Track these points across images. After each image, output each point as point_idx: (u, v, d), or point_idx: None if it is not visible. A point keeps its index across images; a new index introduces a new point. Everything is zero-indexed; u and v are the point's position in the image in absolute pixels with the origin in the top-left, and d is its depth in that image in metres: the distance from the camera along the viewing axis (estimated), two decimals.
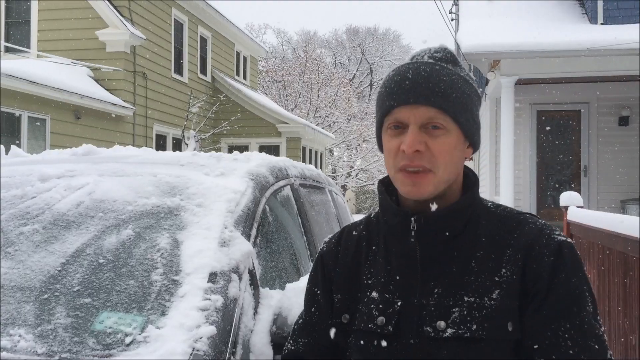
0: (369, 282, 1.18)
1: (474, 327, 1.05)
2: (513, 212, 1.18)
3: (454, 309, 1.07)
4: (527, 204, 10.12)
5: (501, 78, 8.81)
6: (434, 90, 1.10)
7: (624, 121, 10.03)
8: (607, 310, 4.03)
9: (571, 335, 1.03)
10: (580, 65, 8.52)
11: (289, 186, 2.62)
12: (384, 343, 1.11)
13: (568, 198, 5.70)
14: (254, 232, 2.01)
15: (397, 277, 1.15)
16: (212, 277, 1.67)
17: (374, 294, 1.16)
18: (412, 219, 1.13)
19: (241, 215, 1.98)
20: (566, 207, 5.60)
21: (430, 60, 1.15)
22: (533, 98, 10.25)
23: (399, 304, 1.12)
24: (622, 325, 3.66)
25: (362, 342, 1.14)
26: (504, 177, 8.76)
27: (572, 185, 10.07)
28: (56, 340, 1.46)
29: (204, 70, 17.80)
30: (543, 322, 1.05)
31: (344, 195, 27.33)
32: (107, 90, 13.08)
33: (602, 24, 9.41)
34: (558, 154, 10.39)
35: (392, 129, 1.13)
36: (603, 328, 1.07)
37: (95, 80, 13.11)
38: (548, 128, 10.38)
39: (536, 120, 10.43)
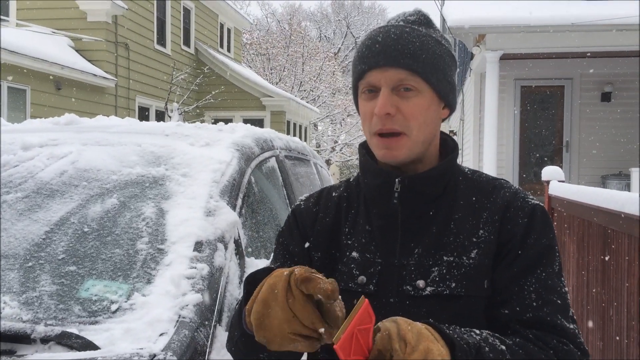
0: (349, 242, 1.19)
1: (453, 284, 1.09)
2: (489, 178, 1.22)
3: (433, 269, 1.11)
4: (509, 178, 10.22)
5: (486, 53, 8.81)
6: (403, 52, 1.10)
7: (606, 97, 10.11)
8: (586, 282, 4.11)
9: (536, 289, 1.07)
10: (565, 41, 8.53)
11: (274, 157, 2.62)
12: None
13: (550, 172, 5.76)
14: (239, 202, 2.01)
15: (378, 238, 1.17)
16: (198, 245, 1.67)
17: (354, 254, 1.17)
18: (397, 180, 1.14)
19: (227, 186, 1.97)
20: (548, 182, 5.67)
21: (401, 23, 1.16)
22: (517, 73, 10.27)
23: (380, 263, 1.14)
24: (600, 297, 3.74)
25: (343, 300, 1.14)
26: (487, 151, 8.82)
27: (554, 160, 10.18)
28: (41, 307, 1.46)
29: (187, 42, 17.55)
30: (511, 278, 1.09)
31: (328, 169, 27.33)
32: (89, 61, 12.86)
33: None
34: (541, 129, 10.47)
35: (366, 92, 1.15)
36: (566, 288, 1.12)
37: (76, 51, 12.87)
38: (531, 103, 10.44)
39: (520, 95, 10.47)
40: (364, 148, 1.25)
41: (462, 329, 0.99)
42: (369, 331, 0.84)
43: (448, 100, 1.18)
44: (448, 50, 1.18)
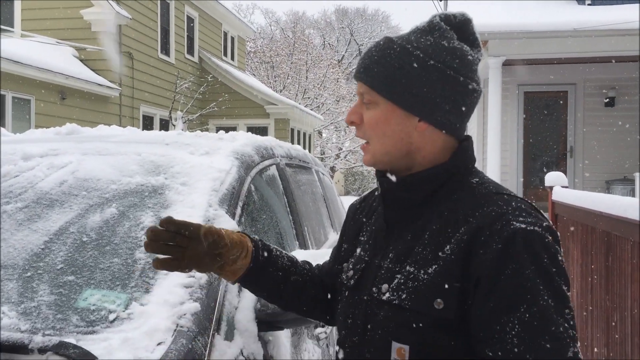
0: (361, 239, 1.31)
1: (404, 296, 1.10)
2: (491, 191, 1.11)
3: (397, 275, 1.13)
4: (513, 185, 10.19)
5: (489, 59, 8.82)
6: (362, 66, 1.19)
7: (610, 102, 10.09)
8: (590, 288, 4.09)
9: (518, 332, 0.96)
10: (568, 46, 8.53)
11: (274, 165, 2.62)
12: (348, 294, 1.24)
13: (553, 178, 5.75)
14: (238, 210, 2.01)
15: (373, 238, 1.26)
16: None
17: (358, 251, 1.29)
18: (378, 184, 1.24)
19: (226, 194, 1.98)
20: (551, 187, 5.65)
21: (391, 36, 1.20)
22: (520, 79, 10.27)
23: (366, 261, 1.23)
24: (604, 302, 3.72)
25: (340, 291, 1.29)
26: (491, 157, 8.81)
27: (558, 166, 10.15)
28: (39, 317, 1.46)
29: (191, 51, 17.63)
30: (489, 313, 0.99)
31: (332, 176, 27.35)
32: (93, 70, 12.93)
33: (589, 4, 9.41)
34: (545, 134, 10.45)
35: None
36: (569, 320, 0.97)
37: (81, 60, 12.95)
38: (535, 109, 10.42)
39: (523, 101, 10.46)
40: None
41: None
42: None
43: (420, 112, 1.13)
44: (423, 61, 1.12)
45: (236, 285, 1.77)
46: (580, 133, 10.21)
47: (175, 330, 1.43)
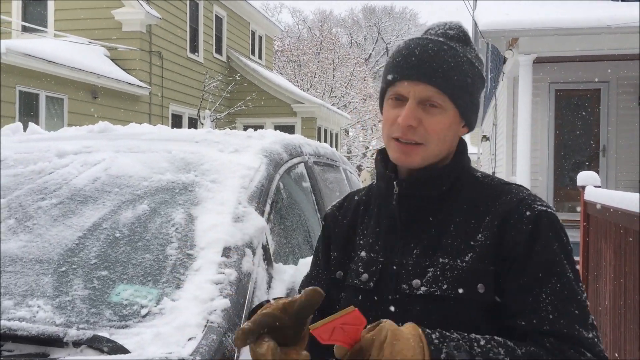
0: (361, 242, 1.28)
1: (445, 286, 1.12)
2: (500, 182, 1.23)
3: (429, 269, 1.15)
4: (544, 184, 10.04)
5: (519, 56, 8.68)
6: (437, 70, 1.15)
7: None
8: (624, 289, 4.01)
9: (551, 301, 1.07)
10: (600, 43, 8.36)
11: (302, 164, 2.63)
12: (366, 298, 1.21)
13: (585, 178, 5.64)
14: (267, 208, 2.02)
15: (382, 238, 1.24)
16: (226, 251, 1.69)
17: (363, 253, 1.25)
18: (395, 183, 1.22)
19: (255, 192, 1.99)
20: (583, 187, 5.55)
21: (441, 39, 1.20)
22: (551, 77, 10.10)
23: (382, 262, 1.21)
24: (638, 305, 3.64)
25: (349, 296, 1.24)
26: (521, 157, 8.68)
27: (590, 166, 9.95)
28: (74, 311, 1.49)
29: (219, 50, 17.77)
30: (523, 288, 1.09)
31: (359, 175, 27.30)
32: (123, 69, 13.13)
33: (622, 0, 9.21)
34: (576, 133, 10.26)
35: (393, 99, 1.20)
36: (585, 294, 1.11)
37: (112, 60, 13.15)
38: (567, 107, 10.25)
39: (554, 99, 10.29)
40: (380, 153, 1.31)
41: (459, 336, 1.02)
42: (358, 330, 0.95)
43: (469, 120, 1.23)
44: (479, 72, 1.23)
45: (265, 282, 1.78)
46: (613, 132, 10.00)
47: (205, 326, 1.44)
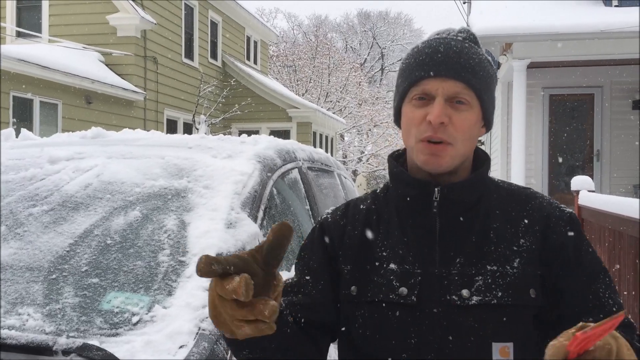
0: (384, 254, 1.17)
1: (500, 294, 1.09)
2: (519, 187, 1.26)
3: (477, 278, 1.11)
4: (538, 189, 10.04)
5: (513, 61, 8.71)
6: (465, 66, 1.14)
7: (637, 105, 9.89)
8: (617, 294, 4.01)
9: (609, 294, 1.13)
10: (594, 48, 8.40)
11: (296, 169, 2.62)
12: (406, 313, 1.11)
13: (580, 182, 5.66)
14: (260, 213, 2.02)
15: (416, 248, 1.15)
16: None
17: (392, 266, 1.15)
18: (436, 189, 1.15)
19: (248, 197, 1.98)
20: (578, 192, 5.56)
21: (459, 38, 1.20)
22: (545, 82, 10.13)
23: (420, 274, 1.13)
24: (632, 309, 3.64)
25: (379, 313, 1.13)
26: (516, 161, 8.70)
27: (585, 170, 9.98)
28: (64, 319, 1.48)
29: (214, 55, 17.76)
30: (583, 287, 1.12)
31: (354, 180, 27.29)
32: (118, 75, 13.10)
33: (616, 5, 9.25)
34: (570, 138, 10.29)
35: (417, 99, 1.16)
36: None
37: (106, 65, 13.13)
38: (560, 112, 10.28)
39: (548, 104, 10.32)
40: (393, 159, 1.25)
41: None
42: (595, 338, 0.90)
43: (489, 119, 1.22)
44: (495, 72, 1.24)
45: None
46: (607, 136, 10.03)
47: (197, 334, 1.43)
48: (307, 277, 1.22)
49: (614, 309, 1.10)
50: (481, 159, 1.24)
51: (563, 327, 1.01)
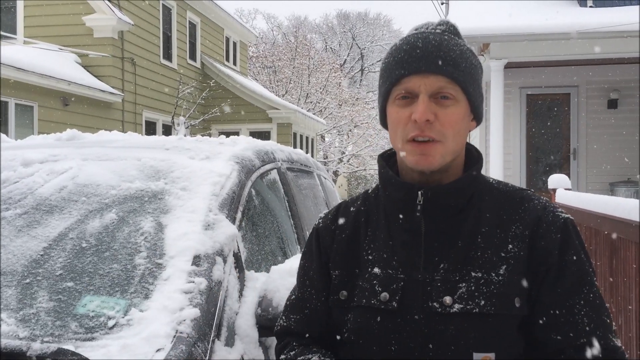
0: (370, 257, 1.15)
1: (482, 302, 1.05)
2: (515, 188, 1.19)
3: (460, 284, 1.07)
4: None
5: (490, 62, 8.80)
6: (446, 59, 1.08)
7: (613, 104, 10.05)
8: None
9: (587, 312, 1.04)
10: (570, 48, 8.51)
11: (275, 170, 2.61)
12: (387, 319, 1.09)
13: (556, 181, 5.73)
14: (239, 215, 2.00)
15: (401, 253, 1.12)
16: (196, 260, 1.66)
17: (376, 270, 1.13)
18: (419, 192, 1.11)
19: (226, 199, 1.97)
20: (554, 190, 5.63)
21: (438, 31, 1.14)
22: (522, 81, 10.25)
23: (403, 279, 1.10)
24: (609, 305, 3.69)
25: (362, 318, 1.11)
26: (494, 160, 8.79)
27: (562, 168, 10.12)
28: (38, 324, 1.45)
29: (193, 56, 17.65)
30: (557, 300, 1.05)
31: (335, 181, 27.32)
32: (95, 76, 12.95)
33: (591, 6, 9.39)
34: (547, 137, 10.42)
35: (400, 99, 1.12)
36: None
37: (83, 67, 12.97)
38: (537, 111, 10.40)
39: (526, 103, 10.44)
40: (383, 160, 1.22)
41: None
42: None
43: (478, 112, 1.16)
44: (479, 62, 1.17)
45: (236, 290, 1.76)
46: (583, 135, 10.18)
47: (174, 337, 1.41)
48: (310, 290, 1.23)
49: (587, 329, 1.03)
50: (474, 158, 1.19)
51: (535, 339, 1.04)
